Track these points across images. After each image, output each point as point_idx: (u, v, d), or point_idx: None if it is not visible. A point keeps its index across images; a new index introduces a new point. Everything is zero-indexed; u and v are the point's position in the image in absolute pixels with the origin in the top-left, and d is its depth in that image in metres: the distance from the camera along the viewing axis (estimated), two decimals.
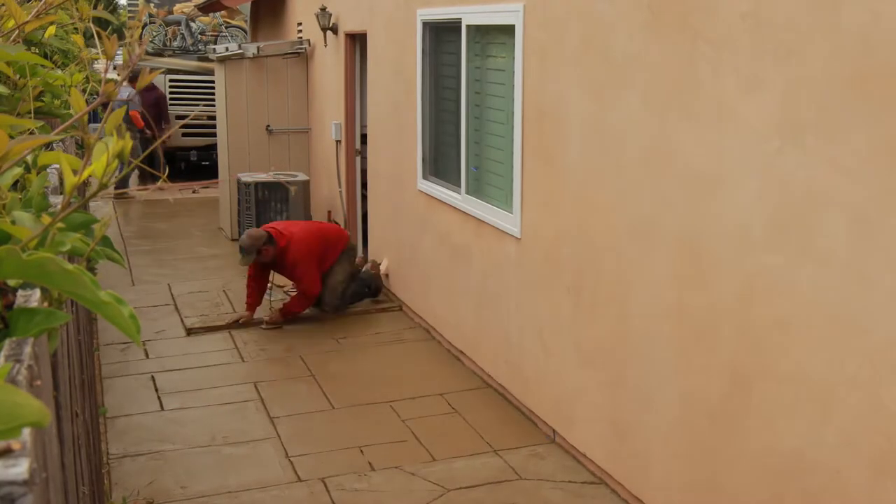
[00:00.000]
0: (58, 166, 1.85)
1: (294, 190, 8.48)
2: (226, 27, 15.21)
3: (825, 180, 3.07)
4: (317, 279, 6.97)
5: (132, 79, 11.86)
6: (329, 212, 8.70)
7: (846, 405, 3.04)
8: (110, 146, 1.00)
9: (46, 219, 1.03)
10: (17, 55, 1.92)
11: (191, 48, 14.32)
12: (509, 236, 5.30)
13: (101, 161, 1.01)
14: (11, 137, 1.44)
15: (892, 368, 2.87)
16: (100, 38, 1.33)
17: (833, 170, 3.04)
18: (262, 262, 6.84)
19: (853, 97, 2.95)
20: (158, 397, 5.60)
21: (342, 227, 7.73)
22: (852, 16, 2.94)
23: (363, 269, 7.52)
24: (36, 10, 1.70)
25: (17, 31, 1.72)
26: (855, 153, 2.96)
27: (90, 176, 1.04)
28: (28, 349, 0.92)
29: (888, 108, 2.83)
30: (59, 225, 1.02)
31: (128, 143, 1.02)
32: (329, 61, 8.84)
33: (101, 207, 11.38)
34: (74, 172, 1.02)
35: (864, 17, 2.90)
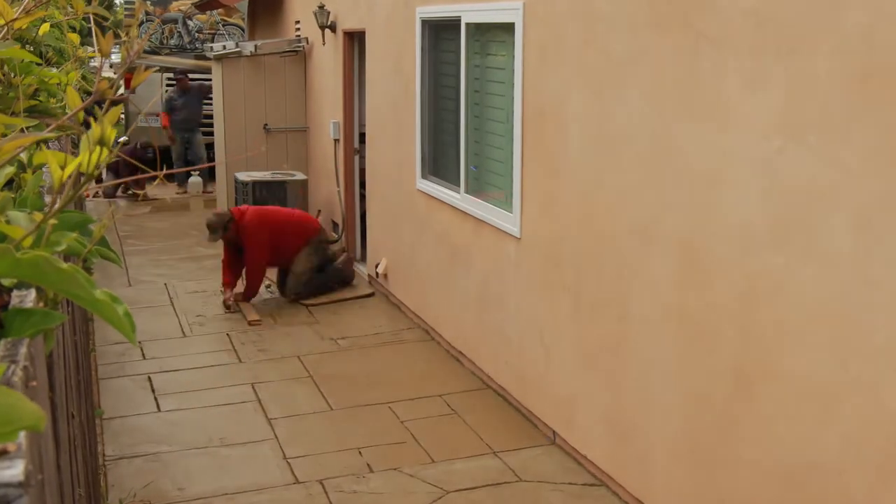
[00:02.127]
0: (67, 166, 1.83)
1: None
2: (223, 25, 15.17)
3: (828, 180, 3.05)
4: (262, 255, 7.26)
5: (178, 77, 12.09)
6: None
7: (849, 407, 3.02)
8: (91, 134, 0.97)
9: (39, 216, 1.01)
10: (7, 52, 1.88)
11: (188, 46, 14.28)
12: (509, 236, 5.27)
13: (87, 153, 0.99)
14: (4, 136, 1.41)
15: (895, 369, 2.84)
16: (96, 35, 1.31)
17: (836, 169, 3.01)
18: (229, 239, 7.23)
19: (856, 96, 2.93)
20: (155, 398, 5.57)
21: (317, 219, 8.01)
22: (855, 14, 2.92)
23: (336, 263, 7.74)
24: (24, 5, 1.67)
25: (6, 29, 1.69)
26: (858, 152, 2.93)
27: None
28: (23, 350, 0.92)
29: (892, 106, 2.80)
30: (53, 221, 0.99)
31: (109, 130, 1.00)
32: (327, 60, 8.81)
33: (99, 206, 11.35)
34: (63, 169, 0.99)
35: (868, 15, 2.88)
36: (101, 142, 1.01)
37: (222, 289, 7.40)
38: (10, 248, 0.89)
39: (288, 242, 7.39)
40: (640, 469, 4.16)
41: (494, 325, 5.54)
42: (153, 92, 12.72)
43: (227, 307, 7.23)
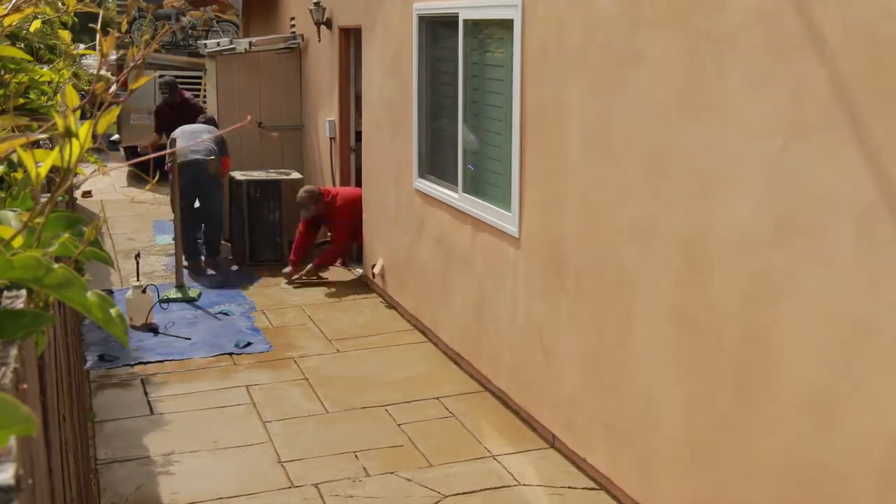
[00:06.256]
0: (43, 163, 1.81)
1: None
2: (217, 22, 15.09)
3: (831, 179, 3.01)
4: (346, 237, 7.99)
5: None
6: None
7: (852, 409, 2.98)
8: (59, 124, 0.94)
9: (26, 216, 0.97)
10: (1, 50, 1.83)
11: (181, 43, 14.21)
12: (508, 236, 5.22)
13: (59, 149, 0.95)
14: None
15: None
16: (99, 37, 1.27)
17: (840, 169, 2.97)
18: (313, 215, 7.86)
19: (861, 94, 2.89)
20: (148, 401, 5.51)
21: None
22: (861, 11, 2.88)
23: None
24: (13, 2, 1.64)
25: None
26: (862, 151, 2.89)
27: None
28: (14, 352, 0.92)
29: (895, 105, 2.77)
30: (39, 220, 0.96)
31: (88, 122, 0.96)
32: (323, 57, 8.76)
33: (93, 204, 11.27)
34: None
35: (873, 12, 2.84)
36: (70, 133, 0.96)
37: (289, 266, 7.95)
38: (2, 250, 0.86)
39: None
40: (640, 473, 4.11)
41: (493, 327, 5.50)
42: (145, 89, 12.56)
43: (291, 281, 7.86)
